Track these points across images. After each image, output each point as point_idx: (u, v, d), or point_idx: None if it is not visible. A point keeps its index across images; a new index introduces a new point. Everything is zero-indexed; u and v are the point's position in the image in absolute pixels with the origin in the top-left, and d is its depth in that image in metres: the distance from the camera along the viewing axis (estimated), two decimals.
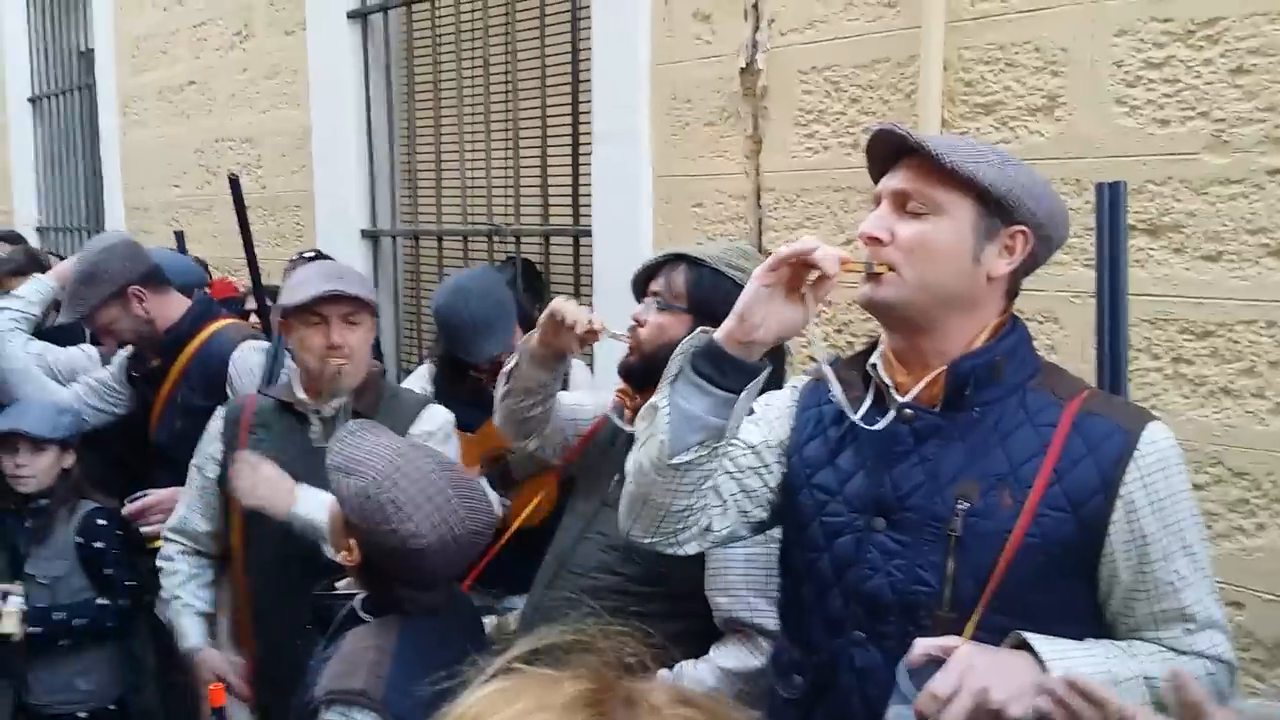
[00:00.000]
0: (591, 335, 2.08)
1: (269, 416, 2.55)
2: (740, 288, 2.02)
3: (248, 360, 2.98)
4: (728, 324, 1.49)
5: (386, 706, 1.67)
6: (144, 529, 2.90)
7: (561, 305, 2.07)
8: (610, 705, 0.73)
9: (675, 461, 1.49)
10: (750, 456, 1.66)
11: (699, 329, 1.54)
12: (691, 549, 1.63)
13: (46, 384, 3.22)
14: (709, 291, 2.03)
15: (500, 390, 2.20)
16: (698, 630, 1.95)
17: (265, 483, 2.32)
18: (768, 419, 1.71)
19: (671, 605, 1.96)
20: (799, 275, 1.46)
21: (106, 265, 3.01)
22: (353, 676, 1.70)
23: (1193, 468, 2.15)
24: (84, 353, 3.30)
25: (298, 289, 2.47)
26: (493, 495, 2.53)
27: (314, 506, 2.24)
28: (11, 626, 2.88)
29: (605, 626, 0.83)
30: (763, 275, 1.46)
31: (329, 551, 2.05)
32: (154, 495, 2.92)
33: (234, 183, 3.18)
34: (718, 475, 1.59)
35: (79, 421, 3.14)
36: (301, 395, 2.52)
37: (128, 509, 2.93)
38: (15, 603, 2.90)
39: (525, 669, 0.79)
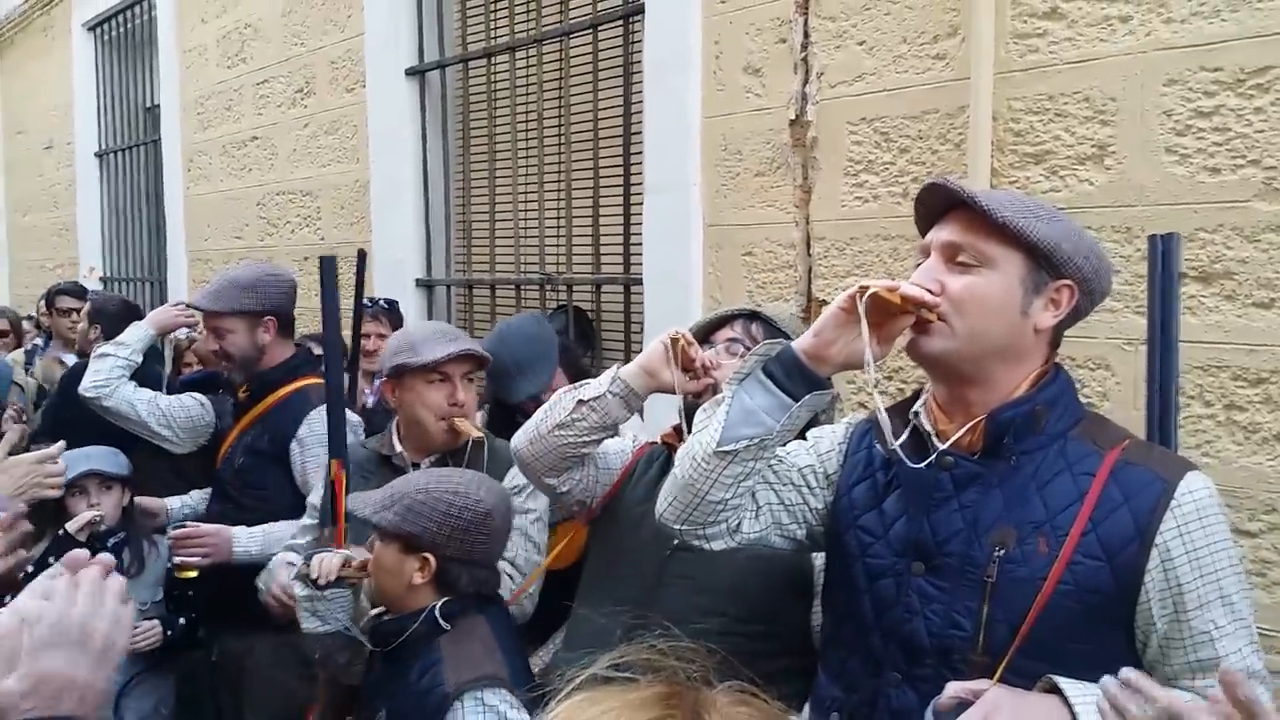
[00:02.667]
0: (707, 375, 1.99)
1: (369, 467, 2.67)
2: None
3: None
4: (804, 338, 1.55)
5: (513, 686, 1.90)
6: (177, 559, 2.96)
7: (689, 335, 2.00)
8: (679, 703, 0.83)
9: (722, 449, 1.55)
10: (794, 474, 1.71)
11: (776, 339, 1.61)
12: (717, 545, 1.67)
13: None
14: None
15: (557, 419, 2.02)
16: (802, 667, 1.95)
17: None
18: (818, 450, 1.75)
19: (779, 644, 1.96)
20: (878, 310, 1.50)
21: (266, 286, 3.14)
22: (478, 666, 1.91)
23: (1245, 515, 2.15)
24: (196, 400, 3.36)
25: (421, 348, 2.55)
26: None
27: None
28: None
29: (675, 645, 0.90)
30: (844, 301, 1.51)
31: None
32: (199, 527, 2.99)
33: (361, 257, 3.30)
34: (757, 482, 1.64)
35: (128, 463, 3.25)
36: (399, 449, 2.63)
37: (172, 533, 2.99)
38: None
39: (612, 676, 0.90)
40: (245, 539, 2.98)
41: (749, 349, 2.07)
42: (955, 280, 1.53)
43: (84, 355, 4.44)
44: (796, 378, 1.54)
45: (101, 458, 3.16)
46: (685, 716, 0.81)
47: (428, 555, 2.03)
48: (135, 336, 3.39)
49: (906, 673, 1.55)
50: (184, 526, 3.01)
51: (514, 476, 2.51)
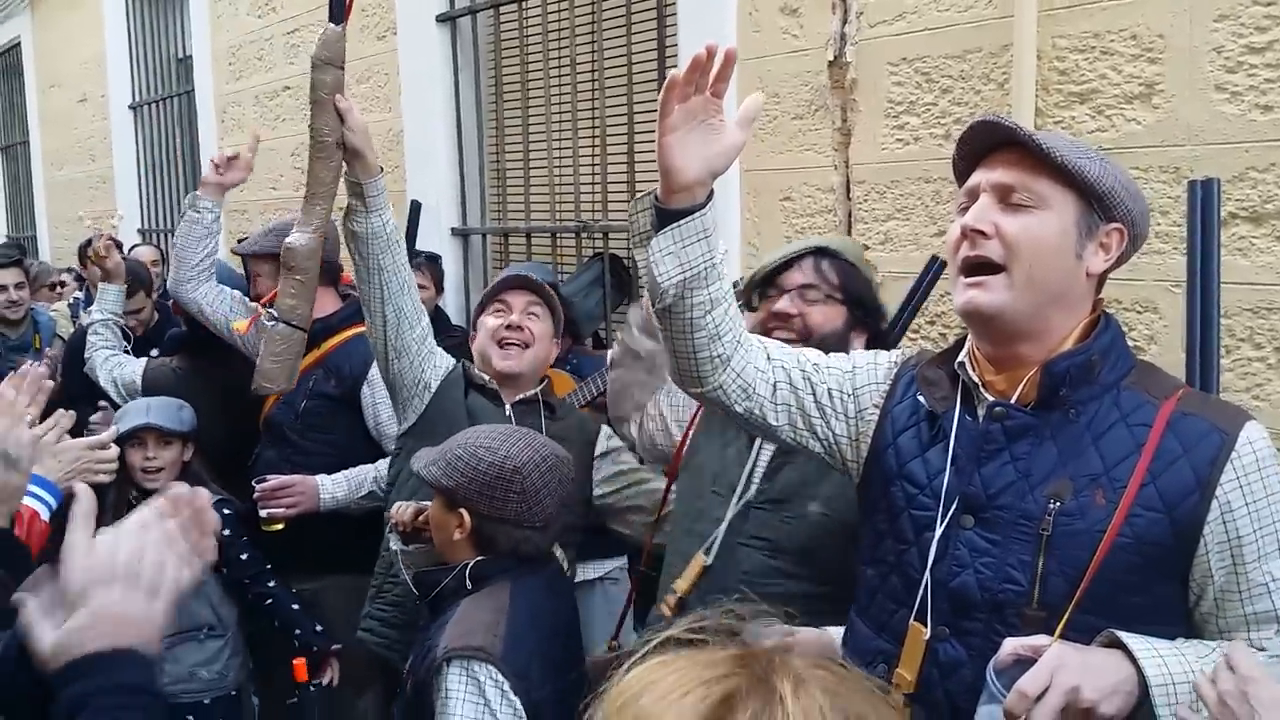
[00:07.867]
0: None
1: (456, 380, 2.70)
2: (866, 280, 2.12)
3: None
4: (659, 184, 1.56)
5: (504, 661, 1.86)
6: (265, 511, 2.93)
7: None
8: (749, 664, 0.84)
9: (657, 308, 1.61)
10: (821, 389, 1.71)
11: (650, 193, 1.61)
12: (735, 404, 1.67)
13: None
14: (856, 283, 2.11)
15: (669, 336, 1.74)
16: None
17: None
18: (855, 381, 1.72)
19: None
20: (698, 107, 1.51)
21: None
22: (472, 636, 1.90)
23: None
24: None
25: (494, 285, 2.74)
26: None
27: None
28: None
29: (756, 609, 0.94)
30: (662, 127, 1.51)
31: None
32: (286, 478, 2.95)
33: (415, 209, 3.27)
34: (779, 380, 1.68)
35: (194, 416, 3.25)
36: (487, 378, 2.64)
37: (260, 489, 2.94)
38: None
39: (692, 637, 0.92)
40: (331, 486, 2.98)
41: (827, 295, 2.08)
42: (1010, 221, 1.49)
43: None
44: (666, 219, 1.56)
45: (161, 410, 3.15)
46: (753, 679, 0.81)
47: (463, 511, 2.03)
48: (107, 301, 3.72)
49: (954, 626, 1.53)
50: (266, 480, 2.96)
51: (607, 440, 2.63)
